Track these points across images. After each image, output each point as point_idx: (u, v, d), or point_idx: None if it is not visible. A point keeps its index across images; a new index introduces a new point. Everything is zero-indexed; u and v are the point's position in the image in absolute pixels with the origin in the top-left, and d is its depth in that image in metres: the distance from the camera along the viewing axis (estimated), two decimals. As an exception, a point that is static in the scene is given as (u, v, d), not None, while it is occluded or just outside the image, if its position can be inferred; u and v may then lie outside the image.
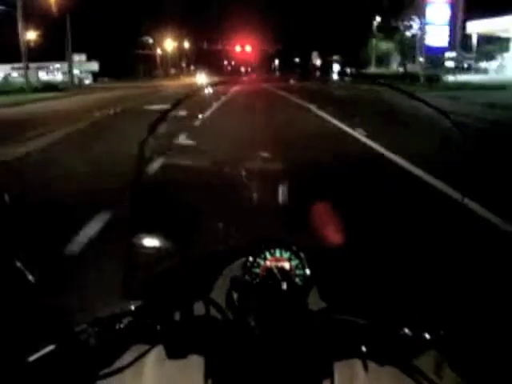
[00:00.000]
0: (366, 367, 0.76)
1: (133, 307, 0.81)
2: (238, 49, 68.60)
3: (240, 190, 1.64)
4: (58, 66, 50.08)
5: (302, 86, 25.41)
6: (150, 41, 67.65)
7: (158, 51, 69.10)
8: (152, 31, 65.09)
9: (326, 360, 0.78)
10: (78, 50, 42.47)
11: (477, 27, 36.00)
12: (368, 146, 8.64)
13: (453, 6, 31.91)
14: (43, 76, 49.00)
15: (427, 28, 31.02)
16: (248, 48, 68.00)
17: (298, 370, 0.76)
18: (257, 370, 0.76)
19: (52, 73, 52.15)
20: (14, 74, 46.61)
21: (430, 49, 31.56)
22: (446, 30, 32.13)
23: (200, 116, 13.81)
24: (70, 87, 35.21)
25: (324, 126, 11.83)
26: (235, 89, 21.40)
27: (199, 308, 0.84)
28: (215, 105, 16.36)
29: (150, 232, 1.15)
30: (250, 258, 0.95)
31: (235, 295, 0.88)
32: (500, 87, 21.61)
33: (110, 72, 50.93)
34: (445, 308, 0.84)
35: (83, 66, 47.50)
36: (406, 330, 0.76)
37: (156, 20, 61.20)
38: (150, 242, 1.15)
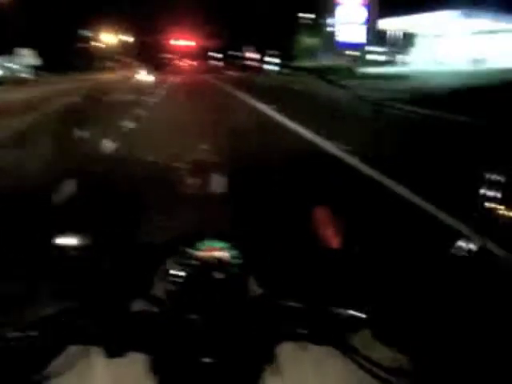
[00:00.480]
0: (304, 348, 0.80)
1: (68, 308, 0.79)
2: (177, 42, 70.17)
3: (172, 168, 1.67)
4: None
5: (239, 76, 28.23)
6: (89, 34, 67.58)
7: (97, 44, 69.07)
8: (92, 25, 65.15)
9: (267, 345, 0.79)
10: (22, 45, 42.14)
11: (388, 25, 40.92)
12: (271, 115, 12.20)
13: (368, 7, 36.33)
14: None
15: (341, 26, 35.33)
16: (188, 42, 69.78)
17: (240, 359, 0.77)
18: (200, 362, 0.75)
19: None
20: None
21: (343, 44, 35.85)
22: (359, 28, 36.48)
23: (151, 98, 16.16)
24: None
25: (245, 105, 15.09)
26: (176, 79, 23.53)
27: (139, 304, 0.84)
28: (162, 90, 18.43)
29: (78, 230, 1.08)
30: (185, 250, 0.93)
31: (173, 288, 0.88)
32: (397, 77, 25.77)
33: (52, 66, 50.75)
34: (374, 285, 0.86)
35: (23, 60, 47.03)
36: (341, 311, 0.80)
37: (96, 13, 61.42)
38: (77, 240, 1.06)
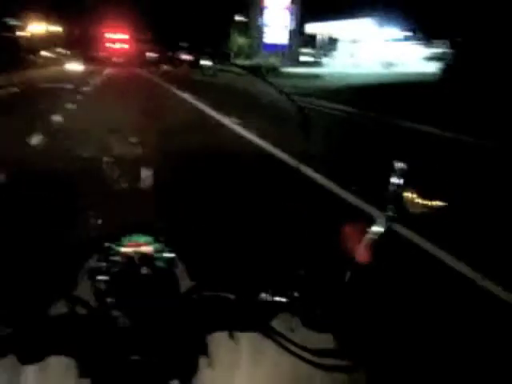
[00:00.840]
0: (232, 337, 0.81)
1: None
2: (111, 35, 69.35)
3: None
4: None
5: (172, 71, 29.47)
6: (15, 23, 64.96)
7: (26, 34, 66.45)
8: (19, 13, 62.62)
9: (199, 336, 0.80)
10: None
11: (314, 29, 44.23)
12: (194, 104, 14.27)
13: (291, 11, 39.29)
14: None
15: (266, 29, 38.24)
16: (121, 35, 69.21)
17: (173, 352, 0.76)
18: (131, 360, 0.74)
19: None
20: None
21: (269, 46, 38.95)
22: (283, 31, 39.45)
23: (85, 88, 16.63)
24: None
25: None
26: (111, 71, 24.39)
27: (62, 306, 0.81)
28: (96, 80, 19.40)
29: None
30: (109, 246, 0.91)
31: (98, 287, 0.86)
32: (315, 76, 28.62)
33: None
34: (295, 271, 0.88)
35: None
36: (263, 296, 0.83)
37: (25, 2, 59.22)
38: None
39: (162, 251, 0.91)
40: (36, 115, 10.86)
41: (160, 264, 0.89)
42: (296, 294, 0.83)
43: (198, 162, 5.80)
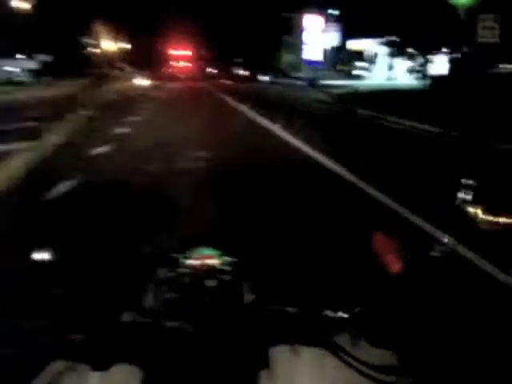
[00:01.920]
0: (295, 351, 0.82)
1: (54, 321, 0.78)
2: (176, 52, 76.36)
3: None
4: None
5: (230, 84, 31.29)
6: (91, 41, 73.18)
7: (98, 51, 74.28)
8: (93, 32, 70.49)
9: (261, 349, 0.81)
10: (35, 50, 45.49)
11: (353, 45, 48.39)
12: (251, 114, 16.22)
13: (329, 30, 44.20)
14: None
15: (305, 47, 43.32)
16: (185, 52, 76.04)
17: (235, 364, 0.78)
18: (195, 370, 0.77)
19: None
20: None
21: (307, 62, 44.80)
22: (318, 49, 44.79)
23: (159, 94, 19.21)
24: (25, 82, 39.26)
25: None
26: (175, 85, 26.41)
27: (130, 315, 0.84)
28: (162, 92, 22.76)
29: (57, 245, 1.07)
30: (176, 258, 0.94)
31: (165, 298, 0.88)
32: (342, 86, 32.03)
33: (55, 71, 53.04)
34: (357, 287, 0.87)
35: (23, 65, 46.84)
36: (328, 313, 0.83)
37: (98, 21, 66.80)
38: (62, 252, 1.06)
39: (227, 264, 0.93)
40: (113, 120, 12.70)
41: (225, 277, 0.90)
42: (358, 310, 0.83)
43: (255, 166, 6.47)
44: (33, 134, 9.12)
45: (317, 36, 44.70)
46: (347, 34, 45.09)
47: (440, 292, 0.88)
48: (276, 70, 52.43)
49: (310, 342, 0.83)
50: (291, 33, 49.30)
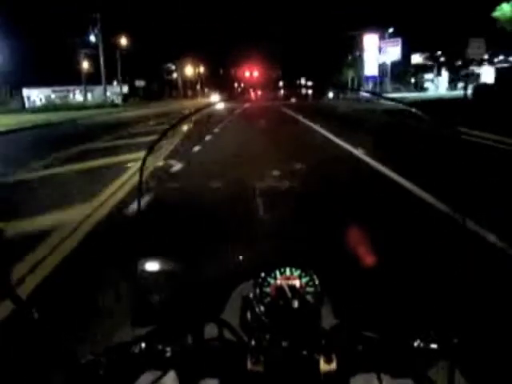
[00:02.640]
0: (380, 381, 0.76)
1: (142, 334, 0.80)
2: (246, 73, 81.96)
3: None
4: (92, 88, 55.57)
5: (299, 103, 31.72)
6: (173, 67, 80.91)
7: (175, 75, 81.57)
8: (174, 58, 78.21)
9: (341, 376, 0.77)
10: (112, 74, 50.93)
11: (417, 59, 50.31)
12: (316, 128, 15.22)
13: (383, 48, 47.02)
14: (79, 97, 55.51)
15: (366, 64, 46.91)
16: (255, 73, 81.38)
17: None
18: None
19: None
20: (53, 96, 54.48)
21: (366, 77, 48.06)
22: (375, 66, 47.73)
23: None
24: (120, 104, 46.17)
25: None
26: (246, 105, 26.50)
27: (212, 330, 0.84)
28: (238, 111, 23.65)
29: (155, 255, 1.10)
30: (261, 277, 0.93)
31: (248, 315, 0.88)
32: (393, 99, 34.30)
33: (145, 94, 59.07)
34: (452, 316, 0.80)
35: (114, 89, 55.00)
36: (418, 342, 0.76)
37: (178, 49, 74.15)
38: (156, 265, 1.10)
39: (311, 285, 0.91)
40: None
41: (308, 298, 0.89)
42: (455, 341, 0.75)
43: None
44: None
45: (374, 53, 47.98)
46: (410, 49, 47.37)
47: None
48: (340, 86, 55.20)
49: (395, 372, 0.77)
50: (353, 51, 52.90)
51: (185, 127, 13.99)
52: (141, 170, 0.94)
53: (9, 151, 12.94)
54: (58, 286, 2.99)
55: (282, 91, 68.76)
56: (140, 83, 59.54)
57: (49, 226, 4.31)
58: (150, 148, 0.97)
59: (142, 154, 7.86)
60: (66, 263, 3.35)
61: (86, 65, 48.66)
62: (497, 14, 25.37)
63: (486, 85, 25.12)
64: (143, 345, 0.77)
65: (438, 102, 24.97)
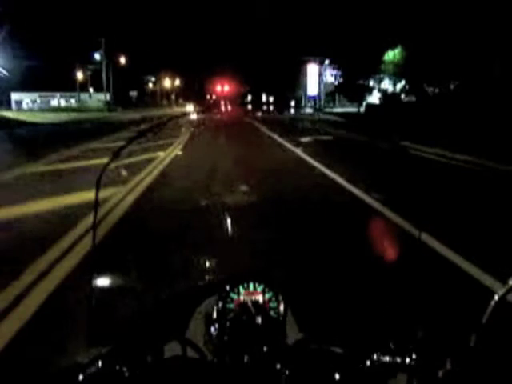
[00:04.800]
0: None
1: (99, 354, 0.77)
2: (218, 87, 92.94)
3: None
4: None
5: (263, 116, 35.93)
6: (153, 79, 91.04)
7: (151, 86, 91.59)
8: (154, 71, 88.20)
9: None
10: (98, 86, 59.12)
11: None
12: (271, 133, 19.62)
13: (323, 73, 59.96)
14: (62, 102, 62.30)
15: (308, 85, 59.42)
16: (226, 87, 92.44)
17: None
18: None
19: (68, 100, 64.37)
20: (38, 101, 60.27)
21: (309, 96, 61.58)
22: (315, 87, 60.03)
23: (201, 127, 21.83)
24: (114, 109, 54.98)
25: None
26: (216, 117, 29.68)
27: (175, 348, 0.81)
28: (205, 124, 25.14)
29: (113, 272, 1.04)
30: (223, 294, 0.92)
31: (211, 332, 0.86)
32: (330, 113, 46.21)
33: (120, 101, 64.71)
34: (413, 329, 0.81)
35: (99, 97, 62.00)
36: (377, 354, 0.77)
37: (157, 63, 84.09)
38: (114, 282, 1.04)
39: (274, 301, 0.92)
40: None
41: (272, 313, 0.90)
42: (414, 355, 0.76)
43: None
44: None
45: (315, 78, 60.95)
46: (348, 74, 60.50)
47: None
48: (297, 103, 67.72)
49: None
50: (301, 75, 65.20)
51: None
52: (97, 183, 0.92)
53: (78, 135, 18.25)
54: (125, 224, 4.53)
55: (249, 106, 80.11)
56: (133, 93, 70.52)
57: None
58: (115, 154, 0.96)
59: (167, 140, 13.31)
60: (121, 218, 4.85)
61: (80, 76, 58.61)
62: (385, 57, 37.22)
63: (373, 104, 37.37)
64: (100, 365, 0.74)
65: (343, 114, 36.79)
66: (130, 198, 5.84)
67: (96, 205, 0.97)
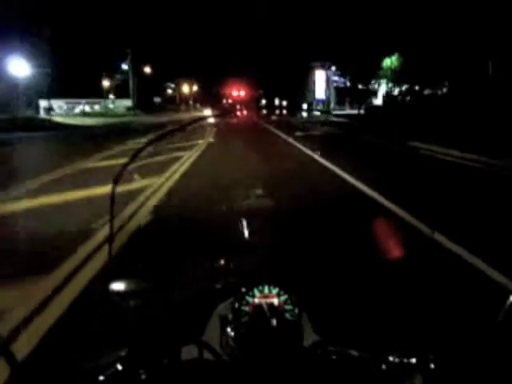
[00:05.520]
0: None
1: (118, 355, 0.78)
2: (234, 92, 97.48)
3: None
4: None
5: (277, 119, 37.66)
6: (172, 85, 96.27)
7: (171, 91, 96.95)
8: (174, 78, 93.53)
9: None
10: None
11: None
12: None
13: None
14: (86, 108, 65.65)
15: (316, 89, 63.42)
16: (241, 92, 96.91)
17: None
18: None
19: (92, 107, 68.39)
20: (64, 107, 63.93)
21: (317, 99, 64.84)
22: (322, 91, 63.91)
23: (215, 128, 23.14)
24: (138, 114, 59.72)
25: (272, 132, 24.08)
26: (232, 121, 30.65)
27: (192, 350, 0.82)
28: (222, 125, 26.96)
29: (130, 275, 1.07)
30: (239, 296, 0.92)
31: (227, 335, 0.87)
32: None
33: (141, 107, 68.59)
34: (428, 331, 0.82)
35: (121, 103, 66.85)
36: (394, 357, 0.78)
37: (177, 70, 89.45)
38: (131, 285, 1.07)
39: (290, 303, 0.91)
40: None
41: (287, 316, 0.89)
42: (430, 356, 0.77)
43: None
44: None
45: (322, 83, 65.67)
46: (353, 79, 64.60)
47: None
48: (309, 106, 72.12)
49: None
50: (310, 79, 69.83)
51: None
52: (112, 191, 0.92)
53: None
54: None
55: (264, 111, 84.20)
56: (157, 99, 77.14)
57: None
58: (132, 157, 0.97)
59: (200, 134, 17.54)
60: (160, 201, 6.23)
61: (105, 83, 63.69)
62: (383, 64, 41.15)
63: (374, 105, 41.40)
64: (118, 367, 0.75)
65: (346, 115, 40.72)
66: (195, 154, 11.69)
67: (112, 197, 0.96)
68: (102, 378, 0.74)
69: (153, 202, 6.29)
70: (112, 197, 0.94)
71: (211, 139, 16.61)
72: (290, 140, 17.47)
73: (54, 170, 9.46)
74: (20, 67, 34.76)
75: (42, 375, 0.71)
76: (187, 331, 0.90)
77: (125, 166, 0.95)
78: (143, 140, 16.67)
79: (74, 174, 9.35)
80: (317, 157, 11.79)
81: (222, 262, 1.21)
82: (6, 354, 0.68)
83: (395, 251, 1.13)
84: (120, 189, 0.96)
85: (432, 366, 0.76)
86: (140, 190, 6.95)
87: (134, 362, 0.77)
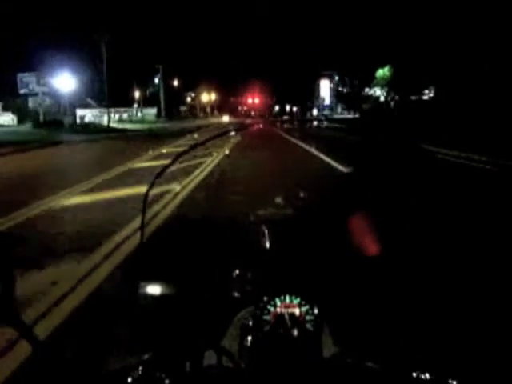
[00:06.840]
0: None
1: (141, 359, 0.78)
2: (249, 100, 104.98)
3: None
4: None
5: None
6: (192, 94, 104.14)
7: (189, 100, 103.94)
8: (194, 87, 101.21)
9: None
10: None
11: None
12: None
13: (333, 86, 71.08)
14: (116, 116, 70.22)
15: (322, 96, 71.17)
16: (256, 100, 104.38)
17: None
18: None
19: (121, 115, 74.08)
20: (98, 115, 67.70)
21: (324, 106, 72.55)
22: (328, 97, 71.49)
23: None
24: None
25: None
26: (248, 122, 37.71)
27: (211, 356, 0.82)
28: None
29: (156, 280, 1.09)
30: (260, 305, 0.92)
31: (247, 343, 0.88)
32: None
33: (167, 115, 74.25)
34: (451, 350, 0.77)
35: (147, 111, 72.51)
36: (417, 374, 0.76)
37: (197, 80, 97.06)
38: (156, 289, 1.08)
39: (310, 314, 0.91)
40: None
41: (308, 326, 0.89)
42: (452, 371, 0.75)
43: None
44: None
45: (327, 91, 72.99)
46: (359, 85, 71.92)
47: None
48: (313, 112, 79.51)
49: None
50: (316, 87, 77.46)
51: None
52: (144, 202, 0.97)
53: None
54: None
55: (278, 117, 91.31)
56: (183, 108, 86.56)
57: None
58: (159, 174, 1.02)
59: (231, 141, 20.30)
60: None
61: (136, 94, 71.43)
62: (377, 74, 48.07)
63: (365, 110, 48.72)
64: (141, 372, 0.75)
65: (345, 119, 47.82)
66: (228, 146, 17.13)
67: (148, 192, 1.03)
68: (126, 381, 0.74)
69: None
70: (150, 186, 1.02)
71: (239, 138, 20.82)
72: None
73: (150, 150, 16.27)
74: (66, 82, 41.09)
75: (63, 358, 0.75)
76: (208, 336, 0.94)
77: (166, 166, 1.02)
78: (188, 136, 23.36)
79: (162, 153, 16.21)
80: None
81: (244, 270, 1.20)
82: (28, 336, 0.71)
83: (372, 248, 1.20)
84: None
85: (454, 383, 0.75)
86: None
87: (157, 366, 0.78)
